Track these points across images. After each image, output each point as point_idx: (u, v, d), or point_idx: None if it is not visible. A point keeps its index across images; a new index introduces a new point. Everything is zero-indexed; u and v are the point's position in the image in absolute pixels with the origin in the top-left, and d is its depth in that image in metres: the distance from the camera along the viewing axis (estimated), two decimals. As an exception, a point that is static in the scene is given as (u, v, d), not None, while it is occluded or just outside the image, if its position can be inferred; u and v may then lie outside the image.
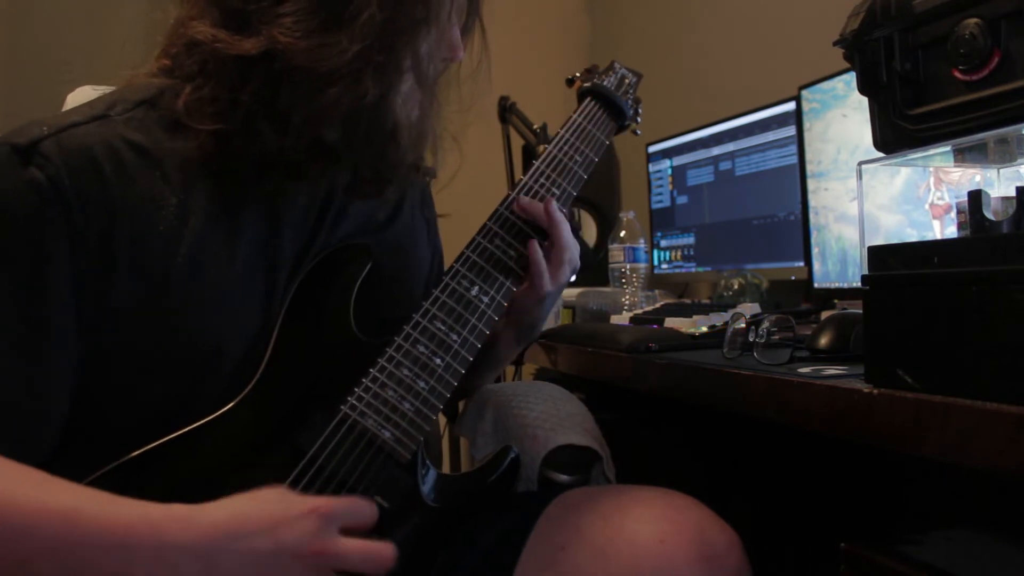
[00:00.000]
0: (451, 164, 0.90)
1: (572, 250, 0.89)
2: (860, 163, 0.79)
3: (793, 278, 1.51)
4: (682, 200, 1.86)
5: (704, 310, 1.28)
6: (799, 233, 1.48)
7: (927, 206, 0.99)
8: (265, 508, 0.60)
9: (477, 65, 0.86)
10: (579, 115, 0.98)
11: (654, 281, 1.87)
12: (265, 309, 0.76)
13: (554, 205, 0.88)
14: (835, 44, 0.75)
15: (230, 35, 0.71)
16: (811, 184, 1.42)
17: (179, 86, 0.74)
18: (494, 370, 1.08)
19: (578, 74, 1.08)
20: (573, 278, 0.93)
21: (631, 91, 1.04)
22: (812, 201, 1.42)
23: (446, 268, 0.84)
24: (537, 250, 0.86)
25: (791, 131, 1.51)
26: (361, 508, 0.65)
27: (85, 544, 0.56)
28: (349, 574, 0.62)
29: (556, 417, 1.06)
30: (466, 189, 1.45)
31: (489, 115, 1.84)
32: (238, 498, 0.61)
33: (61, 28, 2.11)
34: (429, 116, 0.80)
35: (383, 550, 0.63)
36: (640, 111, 1.07)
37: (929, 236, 0.98)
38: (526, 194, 0.88)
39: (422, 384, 0.75)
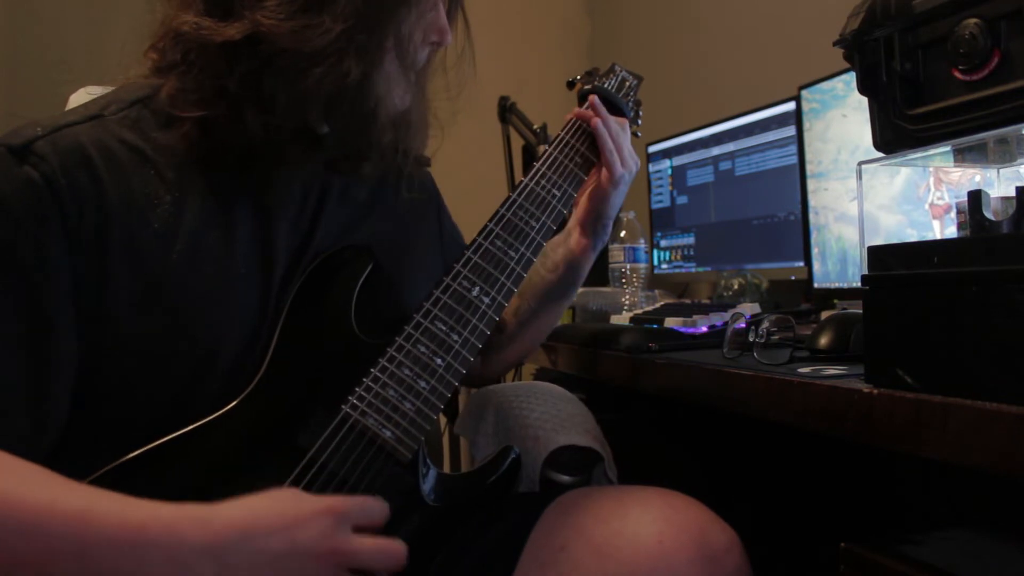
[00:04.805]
0: (448, 154, 0.92)
1: (624, 139, 0.96)
2: (860, 163, 0.79)
3: (793, 278, 1.51)
4: (682, 200, 1.86)
5: (704, 310, 1.28)
6: (799, 233, 1.48)
7: (927, 206, 0.99)
8: (278, 507, 0.60)
9: (461, 52, 0.87)
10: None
11: (654, 281, 1.86)
12: (261, 305, 0.76)
13: (597, 123, 0.94)
14: (835, 44, 0.75)
15: (214, 22, 0.72)
16: (811, 184, 1.42)
17: (168, 81, 0.75)
18: (569, 296, 1.06)
19: (579, 76, 1.08)
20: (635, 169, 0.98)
21: (632, 93, 1.05)
22: (812, 201, 1.42)
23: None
24: (602, 130, 0.92)
25: (791, 131, 1.51)
26: (372, 507, 0.66)
27: (100, 545, 0.56)
28: (362, 572, 0.63)
29: (557, 418, 1.07)
30: (466, 189, 1.45)
31: (489, 115, 1.84)
32: (251, 497, 0.61)
33: (61, 28, 2.11)
34: (419, 102, 0.81)
35: (396, 547, 0.64)
36: (641, 113, 1.07)
37: (929, 236, 0.98)
38: (527, 196, 0.88)
39: (423, 384, 0.75)
